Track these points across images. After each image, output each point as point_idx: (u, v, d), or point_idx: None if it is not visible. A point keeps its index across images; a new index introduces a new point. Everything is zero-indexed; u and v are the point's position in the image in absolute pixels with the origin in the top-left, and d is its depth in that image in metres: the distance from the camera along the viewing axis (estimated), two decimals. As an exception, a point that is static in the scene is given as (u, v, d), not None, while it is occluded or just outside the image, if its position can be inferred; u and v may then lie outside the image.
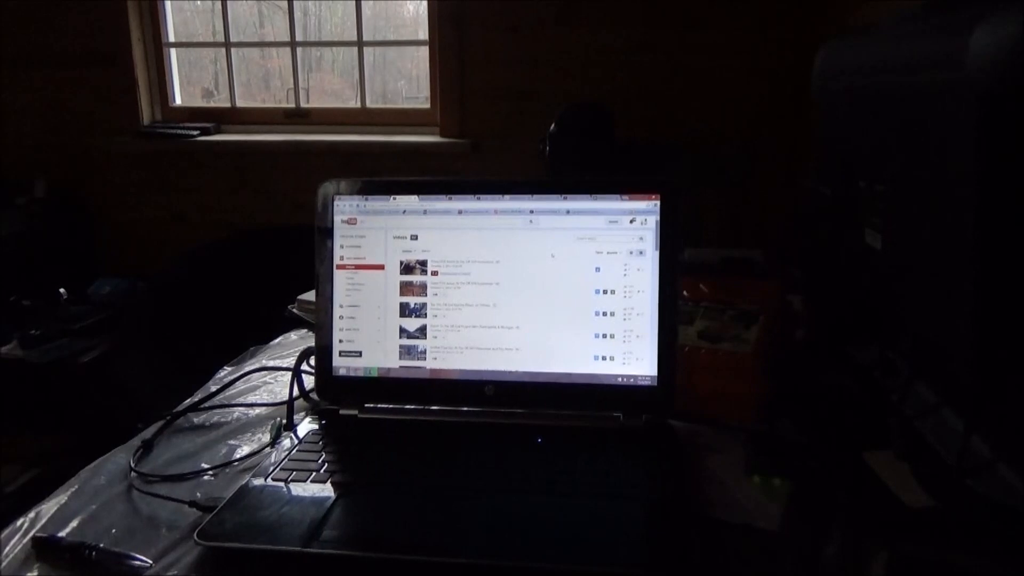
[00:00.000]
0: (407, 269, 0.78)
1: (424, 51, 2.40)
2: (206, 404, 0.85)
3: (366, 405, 0.78)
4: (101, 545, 0.58)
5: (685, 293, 0.87)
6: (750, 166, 2.10)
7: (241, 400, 0.86)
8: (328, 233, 0.79)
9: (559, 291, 0.75)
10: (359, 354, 0.78)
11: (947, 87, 0.56)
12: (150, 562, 0.57)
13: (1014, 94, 0.50)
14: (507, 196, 0.77)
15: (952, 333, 0.58)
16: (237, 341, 1.05)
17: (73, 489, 0.68)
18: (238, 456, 0.73)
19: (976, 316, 0.55)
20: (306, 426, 0.76)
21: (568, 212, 0.76)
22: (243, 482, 0.65)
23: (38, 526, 0.62)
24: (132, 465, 0.71)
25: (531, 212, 0.76)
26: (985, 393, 0.57)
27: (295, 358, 0.84)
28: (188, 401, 0.86)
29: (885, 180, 0.71)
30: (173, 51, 2.52)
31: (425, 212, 0.78)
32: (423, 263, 0.78)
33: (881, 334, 0.77)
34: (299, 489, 0.64)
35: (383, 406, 0.78)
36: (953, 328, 0.58)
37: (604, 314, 0.75)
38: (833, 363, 0.83)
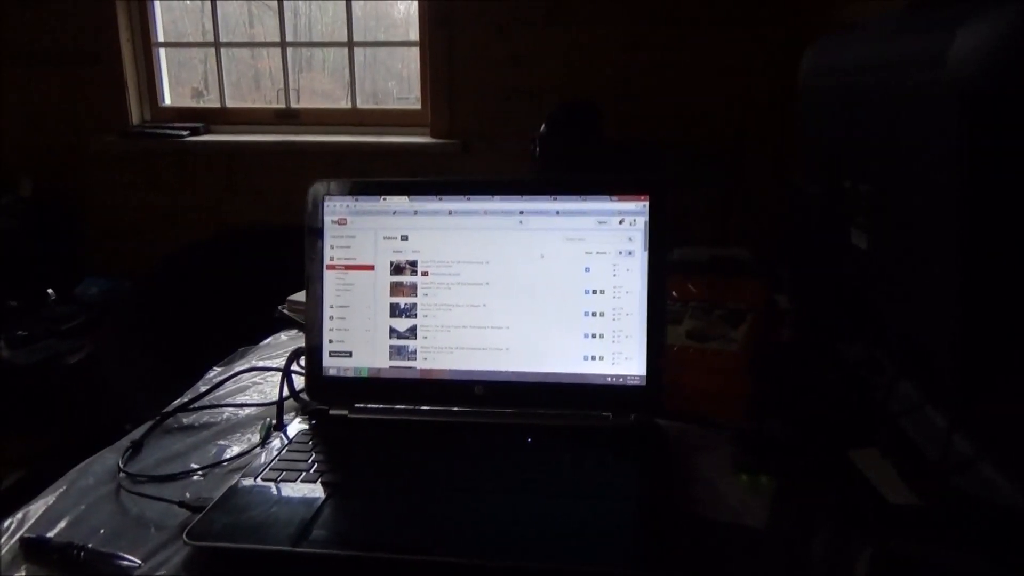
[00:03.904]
0: (397, 270, 0.78)
1: (415, 51, 2.40)
2: (196, 404, 0.84)
3: (356, 405, 0.78)
4: (89, 545, 0.58)
5: (673, 293, 0.88)
6: (737, 165, 2.11)
7: (231, 400, 0.86)
8: (318, 233, 0.79)
9: (549, 291, 0.76)
10: (349, 354, 0.78)
11: (931, 87, 0.57)
12: (139, 562, 0.57)
13: (997, 93, 0.50)
14: (497, 197, 0.77)
15: (937, 332, 0.59)
16: (227, 341, 1.05)
17: (61, 490, 0.67)
18: (228, 456, 0.73)
19: (960, 315, 0.55)
20: (296, 426, 0.76)
21: (558, 213, 0.76)
22: (232, 482, 0.65)
23: (26, 527, 0.62)
24: (121, 465, 0.70)
25: (521, 213, 0.77)
26: (969, 392, 0.58)
27: (285, 358, 0.84)
28: (178, 401, 0.85)
29: (871, 179, 0.71)
30: (162, 51, 2.50)
31: (415, 213, 0.78)
32: (413, 264, 0.78)
33: (866, 333, 0.77)
34: (289, 489, 0.64)
35: (373, 406, 0.78)
36: (938, 327, 0.58)
37: (593, 314, 0.75)
38: (819, 362, 0.84)
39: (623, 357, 0.74)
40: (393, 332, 0.78)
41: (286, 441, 0.73)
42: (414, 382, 0.78)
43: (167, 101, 2.54)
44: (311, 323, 0.79)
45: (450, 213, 0.78)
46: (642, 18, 2.18)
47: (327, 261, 0.79)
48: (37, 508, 0.65)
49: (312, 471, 0.66)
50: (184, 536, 0.57)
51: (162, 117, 2.50)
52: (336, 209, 0.79)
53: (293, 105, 2.52)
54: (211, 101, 2.58)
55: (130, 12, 2.42)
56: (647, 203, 0.75)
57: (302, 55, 2.76)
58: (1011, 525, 0.55)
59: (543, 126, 1.88)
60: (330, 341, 0.79)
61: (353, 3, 2.43)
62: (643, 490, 0.62)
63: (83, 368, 1.97)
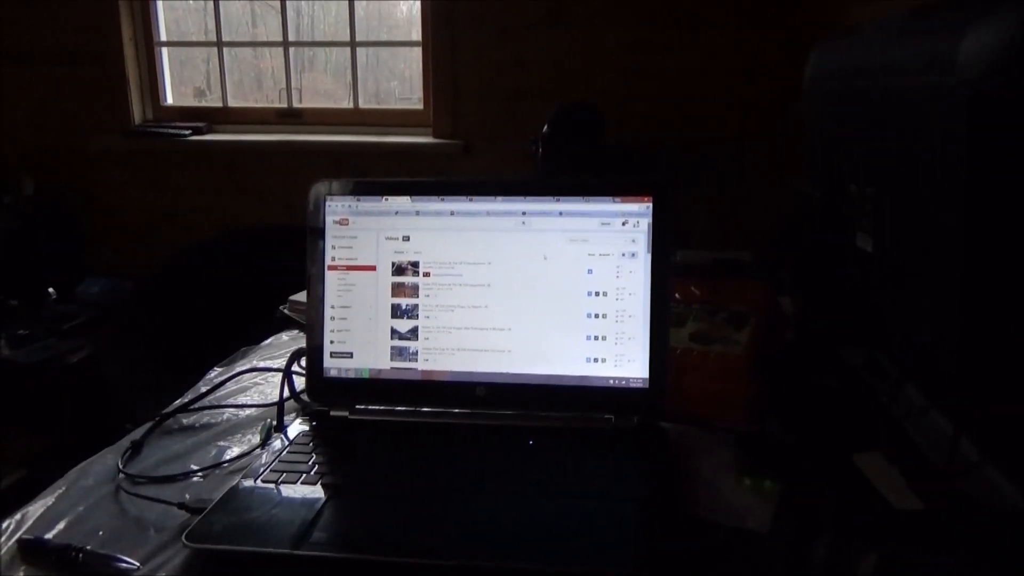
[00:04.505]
0: (399, 270, 0.78)
1: (417, 52, 2.40)
2: (196, 405, 0.84)
3: (357, 406, 0.78)
4: (88, 547, 0.58)
5: (677, 295, 0.88)
6: (740, 167, 2.10)
7: (231, 401, 0.86)
8: (320, 234, 0.79)
9: (551, 293, 0.75)
10: (350, 355, 0.78)
11: (937, 90, 0.56)
12: (138, 564, 0.56)
13: (1003, 97, 0.50)
14: (499, 197, 0.77)
15: (941, 335, 0.59)
16: (228, 342, 1.05)
17: (60, 491, 0.67)
18: (228, 457, 0.72)
19: (965, 318, 0.55)
20: (297, 427, 0.76)
21: (560, 214, 0.76)
22: (233, 484, 0.65)
23: (24, 528, 0.62)
24: (120, 466, 0.70)
25: (523, 214, 0.76)
26: (973, 395, 0.58)
27: (286, 359, 0.83)
28: (178, 402, 0.85)
29: (875, 182, 0.71)
30: (165, 50, 2.50)
31: (417, 213, 0.78)
32: (415, 264, 0.78)
33: (870, 336, 0.77)
34: (289, 491, 0.64)
35: (374, 407, 0.78)
36: (942, 330, 0.58)
37: (596, 316, 0.75)
38: (823, 365, 0.84)
39: (626, 359, 0.74)
40: (394, 333, 0.78)
41: (286, 442, 0.72)
42: (415, 383, 0.77)
43: (169, 101, 2.54)
44: (312, 324, 0.79)
45: (452, 214, 0.77)
46: (644, 20, 2.18)
47: (328, 261, 0.79)
48: (36, 509, 0.64)
49: (313, 473, 0.66)
50: (183, 538, 0.57)
51: (164, 117, 2.50)
52: (338, 209, 0.79)
53: (295, 105, 2.53)
54: (213, 101, 2.58)
55: (132, 11, 2.42)
56: (651, 204, 0.74)
57: (304, 55, 2.76)
58: (1015, 529, 0.55)
59: (545, 127, 1.88)
60: (331, 342, 0.78)
61: (356, 3, 2.43)
62: (646, 492, 0.62)
63: (83, 368, 1.97)
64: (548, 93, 2.20)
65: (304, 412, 0.80)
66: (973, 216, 0.53)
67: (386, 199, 0.79)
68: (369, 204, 0.79)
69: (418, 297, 0.77)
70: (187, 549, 0.57)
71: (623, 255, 0.74)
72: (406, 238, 0.78)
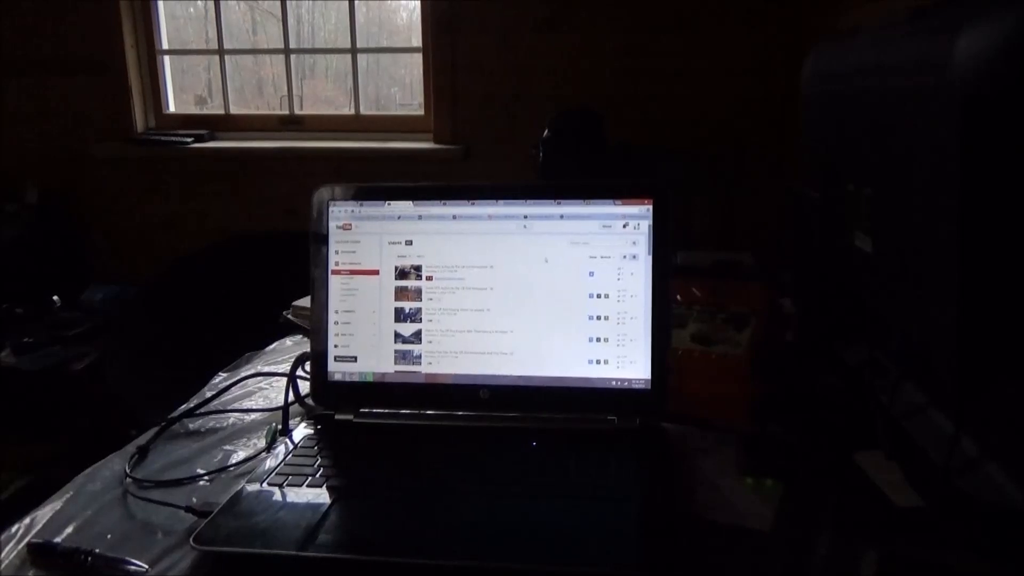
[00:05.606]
0: (402, 274, 0.78)
1: (417, 58, 2.41)
2: (201, 410, 0.85)
3: (361, 410, 0.78)
4: (97, 551, 0.58)
5: (678, 296, 0.88)
6: (741, 168, 2.11)
7: (237, 406, 0.86)
8: (323, 239, 0.80)
9: (553, 295, 0.76)
10: (354, 359, 0.79)
11: (932, 91, 0.57)
12: (146, 567, 0.57)
13: (997, 98, 0.50)
14: (501, 201, 0.77)
15: (939, 334, 0.59)
16: (232, 347, 1.06)
17: (68, 495, 0.68)
18: (234, 461, 0.73)
19: (962, 317, 0.55)
20: (301, 431, 0.77)
21: (562, 217, 0.76)
22: (239, 487, 0.65)
23: (33, 532, 0.62)
24: (128, 471, 0.71)
25: (525, 217, 0.77)
26: (972, 393, 0.58)
27: (290, 364, 0.84)
28: (183, 407, 0.86)
29: (873, 183, 0.71)
30: (166, 58, 2.52)
31: (420, 217, 0.79)
32: (418, 268, 0.78)
33: (870, 336, 0.77)
34: (294, 494, 0.64)
35: (378, 411, 0.78)
36: (940, 329, 0.59)
37: (598, 318, 0.75)
38: (823, 365, 0.84)
39: (628, 361, 0.75)
40: (398, 337, 0.78)
41: (291, 446, 0.73)
42: (419, 386, 0.78)
43: (171, 108, 2.55)
44: (316, 328, 0.80)
45: (454, 218, 0.78)
46: (644, 21, 2.19)
47: (332, 266, 0.79)
48: (44, 513, 0.65)
49: (318, 476, 0.67)
50: (191, 541, 0.57)
51: (167, 124, 2.51)
52: (341, 214, 0.80)
53: (296, 112, 2.53)
54: (215, 108, 2.59)
55: (134, 20, 2.43)
56: (651, 207, 0.75)
57: (305, 62, 2.77)
58: (1016, 528, 0.55)
59: (545, 131, 1.88)
60: (335, 346, 0.79)
61: (356, 9, 2.44)
62: (648, 493, 0.63)
63: (89, 375, 1.97)
64: (548, 97, 2.21)
65: (309, 416, 0.80)
66: (967, 216, 0.53)
67: (389, 204, 0.79)
68: (372, 209, 0.79)
69: (421, 301, 0.78)
70: (194, 551, 0.57)
71: (624, 257, 0.75)
72: (409, 242, 0.79)
